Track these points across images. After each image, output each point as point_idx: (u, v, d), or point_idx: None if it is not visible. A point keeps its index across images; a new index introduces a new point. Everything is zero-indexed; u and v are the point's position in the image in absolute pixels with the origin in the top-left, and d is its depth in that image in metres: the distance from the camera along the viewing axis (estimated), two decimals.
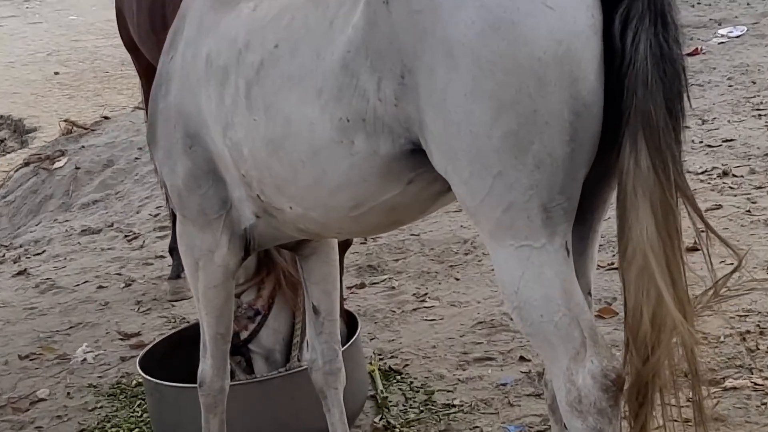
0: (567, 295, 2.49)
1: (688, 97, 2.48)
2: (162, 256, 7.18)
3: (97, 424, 4.74)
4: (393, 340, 5.28)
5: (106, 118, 13.15)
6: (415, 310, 5.68)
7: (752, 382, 4.29)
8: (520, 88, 2.34)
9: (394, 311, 5.68)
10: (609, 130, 2.45)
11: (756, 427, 3.94)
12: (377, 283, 6.15)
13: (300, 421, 4.11)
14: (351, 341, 4.29)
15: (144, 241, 7.99)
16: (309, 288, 3.70)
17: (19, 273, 7.60)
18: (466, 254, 6.39)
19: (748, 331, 4.78)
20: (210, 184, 3.35)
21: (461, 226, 6.80)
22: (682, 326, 2.42)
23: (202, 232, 3.45)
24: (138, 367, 4.42)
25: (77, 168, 10.85)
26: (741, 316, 5.00)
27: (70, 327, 6.12)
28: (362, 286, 6.09)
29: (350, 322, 4.53)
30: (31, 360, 5.66)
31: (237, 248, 3.45)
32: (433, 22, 2.43)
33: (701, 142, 8.26)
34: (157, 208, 8.84)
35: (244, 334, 4.17)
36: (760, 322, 4.90)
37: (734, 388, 4.25)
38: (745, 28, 13.21)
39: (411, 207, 2.91)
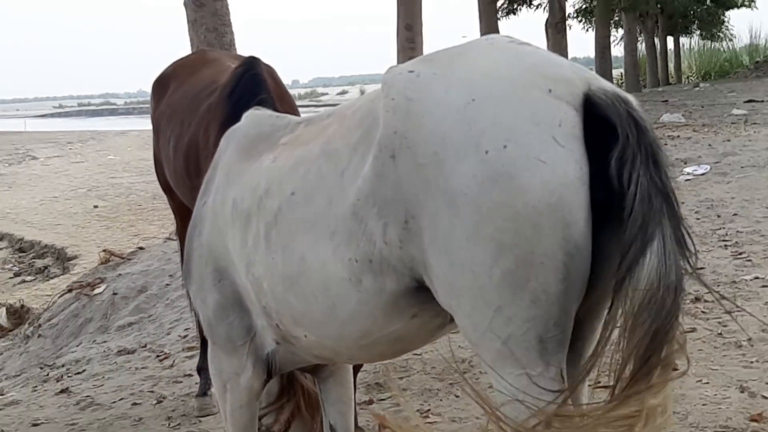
0: None
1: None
2: (190, 375, 7.12)
3: None
4: None
5: (140, 248, 13.18)
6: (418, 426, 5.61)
7: None
8: (518, 233, 2.38)
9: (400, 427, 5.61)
10: (597, 268, 2.49)
11: None
12: (384, 399, 6.09)
13: None
14: None
15: (174, 361, 7.94)
16: (326, 408, 3.69)
17: (62, 391, 7.53)
18: (465, 372, 6.34)
19: None
20: (236, 314, 3.39)
21: (459, 346, 6.76)
22: None
23: (229, 357, 3.46)
24: None
25: (114, 294, 10.86)
26: None
27: None
28: (370, 402, 6.02)
29: None
30: None
31: (261, 371, 3.46)
32: (436, 175, 2.47)
33: None
34: (185, 329, 8.81)
35: None
36: None
37: None
38: (709, 167, 13.34)
39: (416, 337, 2.94)
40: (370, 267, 2.71)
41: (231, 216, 3.30)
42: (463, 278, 2.50)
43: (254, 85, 4.65)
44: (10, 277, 16.98)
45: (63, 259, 17.01)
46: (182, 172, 5.69)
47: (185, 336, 8.63)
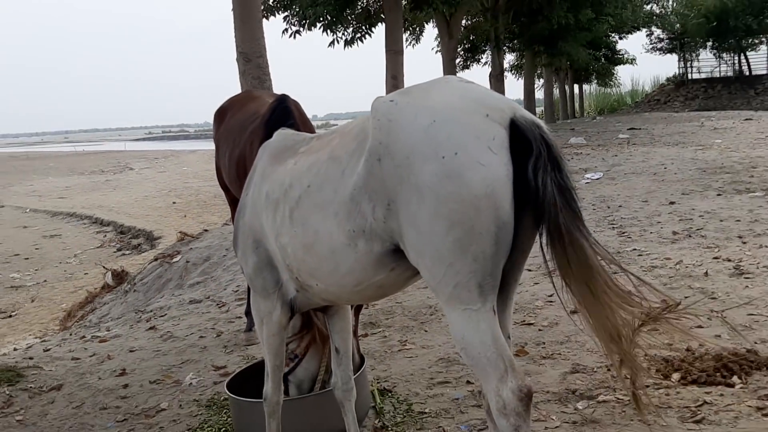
0: (494, 339, 2.56)
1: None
2: (240, 317, 7.11)
3: (198, 425, 4.64)
4: (386, 370, 5.22)
5: (206, 230, 13.18)
6: (399, 351, 5.62)
7: (616, 398, 4.24)
8: (464, 213, 2.46)
9: (387, 351, 5.62)
10: (518, 237, 2.55)
11: (622, 427, 3.89)
12: (375, 333, 6.10)
13: (328, 423, 4.05)
14: (360, 371, 4.27)
15: (229, 308, 7.92)
16: (332, 336, 3.69)
17: (150, 328, 7.51)
18: (432, 315, 6.35)
19: (612, 365, 4.74)
20: (268, 271, 3.41)
21: (428, 297, 6.79)
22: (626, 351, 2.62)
23: (264, 300, 3.47)
24: (225, 389, 4.40)
25: (187, 262, 10.83)
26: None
27: (182, 362, 6.03)
28: (365, 335, 6.03)
29: (360, 359, 4.51)
30: (157, 384, 5.56)
31: (286, 311, 3.47)
32: (408, 173, 2.55)
33: None
34: (237, 286, 8.79)
35: (286, 369, 4.14)
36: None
37: (605, 401, 4.21)
38: (602, 174, 13.38)
39: (393, 285, 2.98)
40: (363, 235, 2.77)
41: (264, 203, 3.33)
42: (426, 244, 2.56)
43: (284, 114, 4.67)
44: (114, 252, 16.99)
45: (151, 238, 17.05)
46: (234, 176, 5.73)
47: (237, 290, 8.61)
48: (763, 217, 8.71)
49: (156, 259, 11.62)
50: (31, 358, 6.69)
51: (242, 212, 3.58)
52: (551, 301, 6.18)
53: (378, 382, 4.95)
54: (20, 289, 13.28)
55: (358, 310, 4.46)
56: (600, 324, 2.57)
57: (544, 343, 5.29)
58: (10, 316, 11.31)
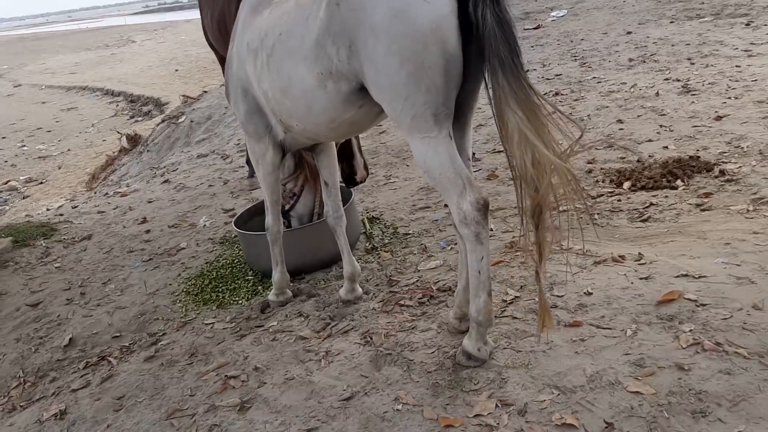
0: (452, 161, 2.63)
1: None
2: (243, 166, 7.18)
3: (214, 259, 4.81)
4: (374, 201, 5.33)
5: (205, 92, 12.97)
6: (385, 184, 5.72)
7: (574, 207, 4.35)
8: (414, 49, 2.47)
9: (374, 185, 5.72)
10: (468, 68, 2.55)
11: (578, 231, 4.02)
12: None
13: (324, 248, 4.18)
14: (350, 202, 4.36)
15: (232, 159, 7.97)
16: (321, 171, 3.74)
17: (164, 182, 7.59)
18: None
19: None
20: (258, 116, 3.44)
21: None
22: (558, 163, 2.49)
23: (258, 143, 3.51)
24: (233, 226, 4.51)
25: (191, 121, 10.76)
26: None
27: (195, 208, 6.14)
28: None
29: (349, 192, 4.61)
30: (175, 227, 5.69)
31: (278, 151, 3.52)
32: (364, 15, 2.54)
33: (542, 77, 8.21)
34: (238, 140, 8.80)
35: (287, 207, 4.23)
36: (579, 176, 4.94)
37: (564, 211, 4.32)
38: (566, 11, 13.01)
39: (364, 120, 3.00)
40: (331, 76, 2.76)
41: (246, 53, 3.29)
42: (383, 80, 2.58)
43: None
44: (128, 119, 16.79)
45: (159, 104, 16.74)
46: (216, 34, 5.61)
47: (238, 143, 8.63)
48: (710, 39, 8.58)
49: (163, 121, 11.52)
50: (61, 215, 6.81)
51: (230, 64, 3.55)
52: None
53: (367, 212, 5.07)
54: (47, 159, 13.23)
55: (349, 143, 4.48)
56: (541, 142, 2.57)
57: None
58: (41, 183, 11.35)
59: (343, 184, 4.83)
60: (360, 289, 3.76)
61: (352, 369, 3.04)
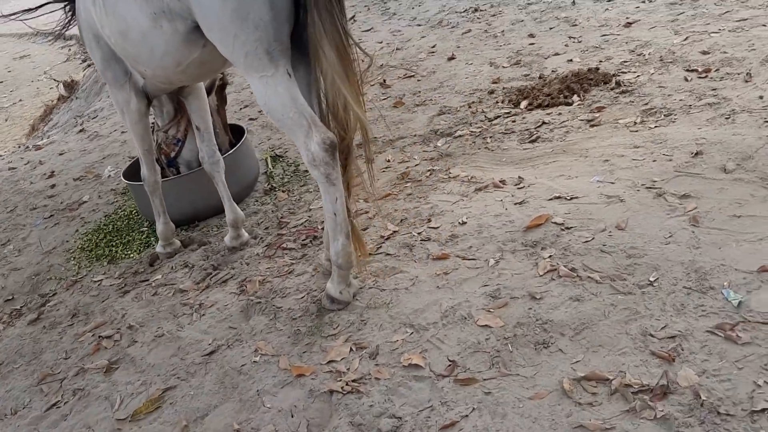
0: (293, 100, 2.49)
1: None
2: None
3: (113, 211, 4.65)
4: (280, 138, 5.16)
5: None
6: None
7: (470, 132, 4.25)
8: None
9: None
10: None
11: (469, 156, 3.93)
12: None
13: (216, 194, 4.02)
14: (242, 141, 4.21)
15: None
16: (192, 115, 3.57)
17: (80, 131, 7.29)
18: None
19: (472, 103, 4.71)
20: (114, 62, 3.25)
21: None
22: (362, 118, 2.53)
23: (120, 91, 3.33)
24: (122, 177, 4.34)
25: None
26: (472, 92, 4.92)
27: (104, 158, 5.92)
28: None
29: (240, 130, 4.45)
30: (80, 180, 5.50)
31: (142, 98, 3.34)
32: None
33: None
34: None
35: (173, 154, 4.06)
36: (481, 97, 4.82)
37: (460, 136, 4.22)
38: None
39: (214, 60, 2.81)
40: (164, 16, 2.58)
41: None
42: (210, 18, 2.43)
43: None
44: (80, 63, 16.01)
45: None
46: None
47: None
48: None
49: (90, 66, 11.08)
50: None
51: (78, 10, 3.32)
52: (433, 53, 6.03)
53: (271, 150, 4.92)
54: None
55: (221, 89, 4.29)
56: (350, 90, 2.48)
57: (419, 92, 5.20)
58: None
59: (239, 123, 4.68)
60: (246, 235, 3.66)
61: (222, 321, 2.97)
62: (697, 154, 3.15)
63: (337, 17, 2.37)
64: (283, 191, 4.22)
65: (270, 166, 4.64)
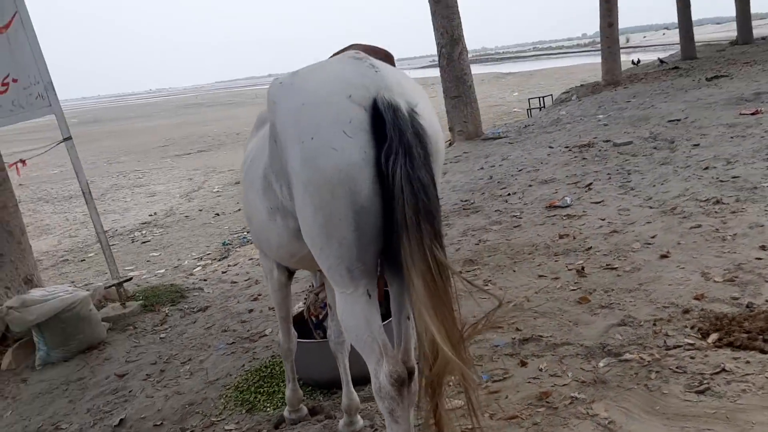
0: (368, 324, 2.40)
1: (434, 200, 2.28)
2: None
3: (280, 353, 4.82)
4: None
5: None
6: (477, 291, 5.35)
7: (639, 357, 3.75)
8: (323, 198, 2.27)
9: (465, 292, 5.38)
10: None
11: (623, 391, 3.45)
12: (468, 271, 5.84)
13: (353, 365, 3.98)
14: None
15: None
16: (328, 292, 3.62)
17: None
18: (530, 253, 5.92)
19: (660, 320, 4.18)
20: None
21: (537, 234, 6.35)
22: (453, 361, 2.24)
23: (265, 259, 3.49)
24: None
25: None
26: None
27: (302, 291, 6.22)
28: (460, 272, 5.81)
29: None
30: (272, 310, 5.80)
31: (282, 270, 3.46)
32: (287, 156, 2.38)
33: (716, 178, 7.22)
34: None
35: (320, 316, 4.14)
36: (673, 315, 4.27)
37: (626, 360, 3.74)
38: None
39: None
40: (279, 212, 2.68)
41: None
42: (303, 226, 2.43)
43: None
44: None
45: None
46: None
47: None
48: None
49: None
50: (205, 280, 7.29)
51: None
52: (649, 245, 5.53)
53: None
54: None
55: None
56: (439, 328, 2.26)
57: (612, 290, 4.76)
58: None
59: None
60: (361, 422, 3.55)
61: None
62: None
63: (428, 246, 2.23)
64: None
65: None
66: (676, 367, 3.54)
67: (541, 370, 3.82)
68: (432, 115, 2.52)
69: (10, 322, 5.18)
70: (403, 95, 2.37)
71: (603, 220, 6.42)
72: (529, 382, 3.72)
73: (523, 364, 3.95)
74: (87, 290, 5.79)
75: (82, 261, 10.39)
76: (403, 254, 2.28)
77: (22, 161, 6.13)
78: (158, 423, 4.21)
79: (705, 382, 3.34)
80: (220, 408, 4.21)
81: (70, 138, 6.08)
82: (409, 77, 2.75)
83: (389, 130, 2.23)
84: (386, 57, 6.07)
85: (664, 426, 3.07)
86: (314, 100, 2.36)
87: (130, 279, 6.76)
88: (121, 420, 4.31)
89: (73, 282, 8.70)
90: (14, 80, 5.74)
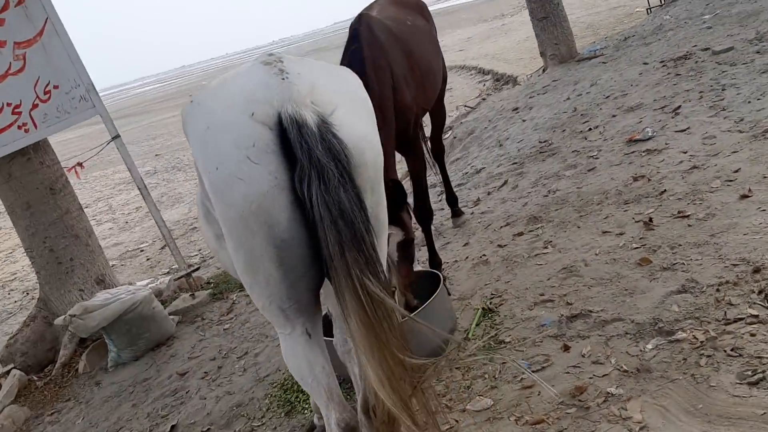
0: (310, 366, 2.26)
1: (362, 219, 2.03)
2: (444, 208, 6.74)
3: None
4: (509, 281, 4.62)
5: (483, 99, 12.46)
6: (536, 255, 4.92)
7: (692, 337, 3.27)
8: (240, 234, 2.07)
9: (523, 257, 4.96)
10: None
11: (665, 383, 3.01)
12: (531, 231, 5.39)
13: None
14: (434, 296, 3.95)
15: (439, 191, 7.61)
16: (326, 301, 3.39)
17: None
18: (599, 203, 5.38)
19: (725, 283, 3.63)
20: None
21: (611, 178, 5.77)
22: (393, 411, 2.02)
23: None
24: None
25: (454, 138, 10.55)
26: None
27: None
28: (520, 234, 5.39)
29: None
30: None
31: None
32: (205, 187, 2.20)
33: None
34: (470, 165, 8.37)
35: None
36: (741, 277, 3.70)
37: (678, 341, 3.28)
38: None
39: None
40: (222, 239, 2.44)
41: None
42: (235, 265, 2.22)
43: (352, 40, 4.11)
44: None
45: (515, 83, 13.89)
46: None
47: (467, 172, 8.21)
48: None
49: None
50: None
51: None
52: (730, 182, 4.84)
53: (492, 297, 4.45)
54: None
55: (406, 244, 3.91)
56: (378, 368, 1.98)
57: (680, 245, 4.19)
58: None
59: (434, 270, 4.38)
60: None
61: None
62: None
63: (357, 277, 1.96)
64: (458, 368, 3.73)
65: (474, 325, 4.16)
66: (732, 349, 3.04)
67: (583, 356, 3.45)
68: (360, 117, 2.19)
69: (74, 329, 5.35)
70: (315, 104, 2.06)
71: (685, 153, 5.70)
72: (568, 373, 3.36)
73: (566, 348, 3.57)
74: (148, 288, 5.86)
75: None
76: (334, 289, 2.03)
77: (80, 164, 6.23)
78: (206, 429, 4.20)
79: (760, 370, 2.84)
80: (264, 410, 4.15)
81: (118, 136, 6.11)
82: (336, 72, 2.42)
83: (296, 150, 1.97)
84: (417, 6, 5.57)
85: (707, 430, 2.64)
86: (216, 123, 2.11)
87: (198, 269, 6.82)
88: (173, 426, 4.35)
89: (200, 250, 9.08)
90: (55, 87, 5.80)
